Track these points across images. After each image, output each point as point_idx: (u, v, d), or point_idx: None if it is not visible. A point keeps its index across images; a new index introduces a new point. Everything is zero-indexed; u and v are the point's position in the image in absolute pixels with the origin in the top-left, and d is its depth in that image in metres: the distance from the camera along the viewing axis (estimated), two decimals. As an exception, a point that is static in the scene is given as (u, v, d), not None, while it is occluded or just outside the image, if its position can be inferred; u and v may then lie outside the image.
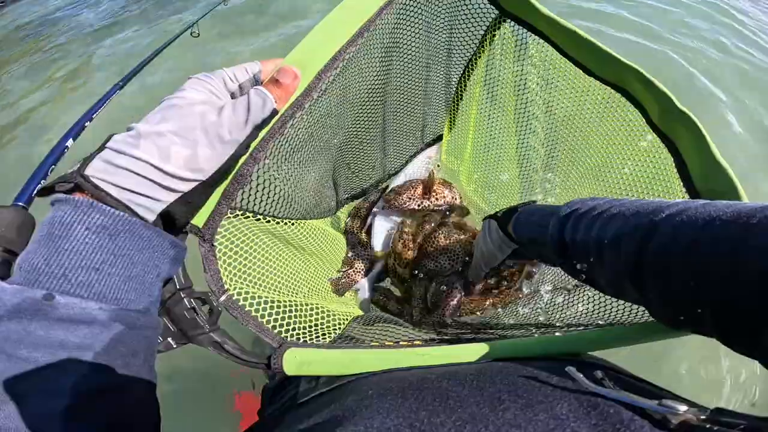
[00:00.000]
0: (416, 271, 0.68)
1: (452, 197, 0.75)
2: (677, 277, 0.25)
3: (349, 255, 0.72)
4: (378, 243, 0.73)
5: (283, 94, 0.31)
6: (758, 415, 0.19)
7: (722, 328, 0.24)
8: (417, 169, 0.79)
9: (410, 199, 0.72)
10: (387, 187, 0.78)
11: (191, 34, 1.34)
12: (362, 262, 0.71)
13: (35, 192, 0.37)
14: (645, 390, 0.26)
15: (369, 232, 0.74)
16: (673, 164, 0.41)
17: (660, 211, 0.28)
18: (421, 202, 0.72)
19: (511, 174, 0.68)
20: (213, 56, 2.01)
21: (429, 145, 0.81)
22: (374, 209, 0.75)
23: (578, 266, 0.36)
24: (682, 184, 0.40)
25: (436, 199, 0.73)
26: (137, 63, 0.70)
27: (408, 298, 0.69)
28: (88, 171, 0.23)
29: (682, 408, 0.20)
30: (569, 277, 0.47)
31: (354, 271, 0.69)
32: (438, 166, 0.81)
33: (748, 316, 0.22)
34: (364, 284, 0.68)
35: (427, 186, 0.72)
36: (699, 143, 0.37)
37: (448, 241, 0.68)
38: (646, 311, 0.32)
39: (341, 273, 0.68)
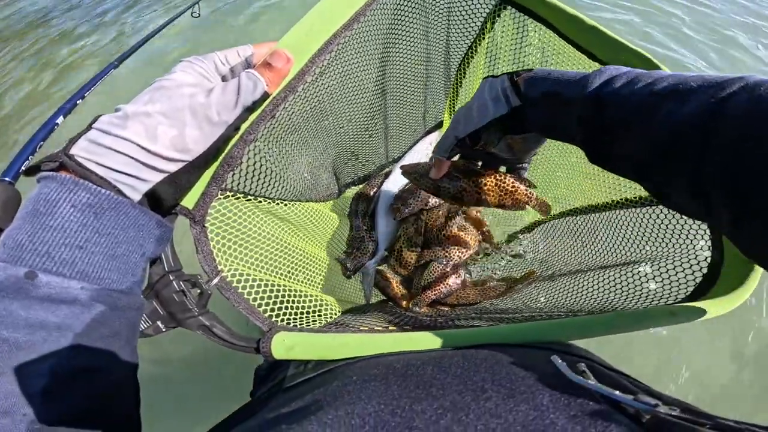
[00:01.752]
0: (421, 257, 0.68)
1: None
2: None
3: (355, 236, 0.73)
4: (382, 225, 0.73)
5: (275, 77, 0.30)
6: (722, 417, 0.20)
7: None
8: (419, 155, 0.78)
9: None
10: (390, 171, 0.79)
11: (192, 15, 1.31)
12: (368, 244, 0.72)
13: (22, 169, 0.37)
14: (622, 384, 0.26)
15: (373, 216, 0.75)
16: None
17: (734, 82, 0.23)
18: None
19: None
20: (212, 37, 1.97)
21: (430, 131, 0.80)
22: (379, 192, 0.75)
23: (607, 136, 0.29)
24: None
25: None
26: (134, 42, 0.68)
27: (409, 281, 0.69)
28: (74, 150, 0.23)
29: (654, 404, 0.20)
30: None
31: (361, 253, 0.70)
32: None
33: None
34: (370, 265, 0.69)
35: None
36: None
37: (460, 232, 0.67)
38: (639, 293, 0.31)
39: (348, 254, 0.68)
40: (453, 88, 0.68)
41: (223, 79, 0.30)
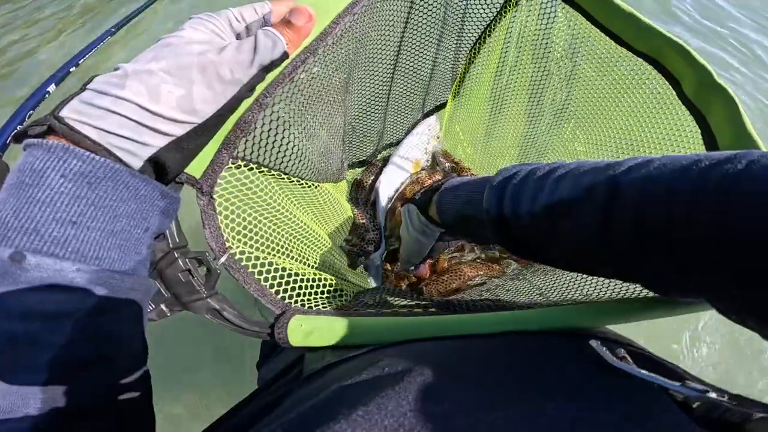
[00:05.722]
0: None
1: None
2: (655, 230, 0.21)
3: (359, 223, 0.69)
4: (383, 219, 0.70)
5: (295, 36, 0.27)
6: None
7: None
8: (419, 137, 0.75)
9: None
10: (389, 157, 0.75)
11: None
12: (372, 233, 0.68)
13: (10, 138, 0.32)
14: (667, 369, 0.25)
15: (374, 205, 0.71)
16: (701, 139, 0.38)
17: (618, 165, 0.24)
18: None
19: (517, 146, 0.65)
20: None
21: (428, 114, 0.77)
22: (378, 181, 0.72)
23: (527, 245, 0.30)
24: (708, 158, 0.38)
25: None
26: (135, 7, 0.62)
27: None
28: (63, 112, 0.19)
29: (704, 390, 0.18)
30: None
31: (366, 243, 0.67)
32: (438, 137, 0.77)
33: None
34: (375, 258, 0.65)
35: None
36: (733, 117, 0.35)
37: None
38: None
39: (351, 242, 0.65)
40: (463, 70, 0.65)
41: (238, 37, 0.26)
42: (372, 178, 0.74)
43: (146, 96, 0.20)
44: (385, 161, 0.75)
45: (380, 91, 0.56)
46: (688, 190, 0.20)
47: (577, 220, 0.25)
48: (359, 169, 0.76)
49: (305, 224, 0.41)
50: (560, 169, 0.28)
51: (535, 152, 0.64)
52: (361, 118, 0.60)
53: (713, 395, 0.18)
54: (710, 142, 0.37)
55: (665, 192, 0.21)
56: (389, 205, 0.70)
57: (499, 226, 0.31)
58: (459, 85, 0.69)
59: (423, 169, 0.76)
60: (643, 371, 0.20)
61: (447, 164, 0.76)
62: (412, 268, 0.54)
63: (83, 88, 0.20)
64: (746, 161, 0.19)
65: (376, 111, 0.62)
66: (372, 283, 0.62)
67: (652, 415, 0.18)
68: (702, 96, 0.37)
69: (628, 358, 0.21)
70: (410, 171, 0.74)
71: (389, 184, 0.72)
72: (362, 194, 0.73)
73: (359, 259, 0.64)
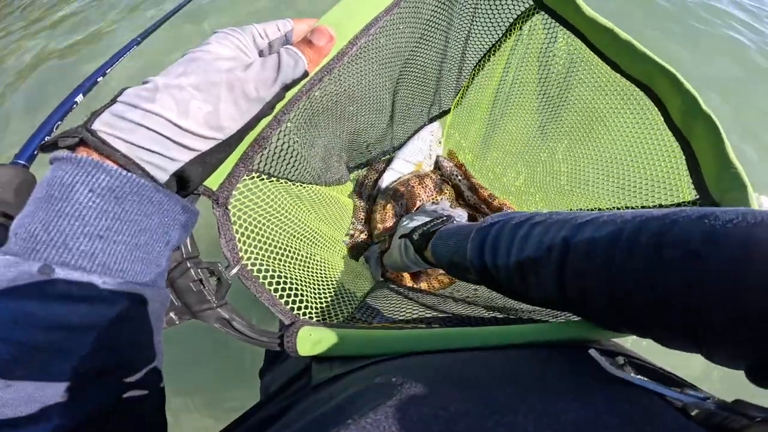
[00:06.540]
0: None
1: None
2: (600, 295, 0.25)
3: (360, 218, 0.71)
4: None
5: (315, 56, 0.27)
6: None
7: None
8: (422, 142, 0.78)
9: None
10: (391, 159, 0.77)
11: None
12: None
13: (37, 149, 0.32)
14: (666, 377, 0.26)
15: (375, 202, 0.73)
16: (685, 164, 0.40)
17: (574, 221, 0.28)
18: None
19: (514, 156, 0.68)
20: (246, 12, 1.79)
21: (432, 119, 0.79)
22: (381, 180, 0.74)
23: (509, 290, 0.34)
24: (691, 181, 0.40)
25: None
26: (161, 15, 0.61)
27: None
28: (96, 125, 0.20)
29: (704, 397, 0.19)
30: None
31: (366, 235, 0.69)
32: (440, 142, 0.80)
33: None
34: (373, 248, 0.67)
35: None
36: (716, 144, 0.37)
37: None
38: None
39: (353, 239, 0.67)
40: (467, 82, 0.66)
41: (260, 54, 0.27)
42: (375, 177, 0.77)
43: (175, 111, 0.21)
44: (388, 163, 0.77)
45: (386, 101, 0.58)
46: (622, 250, 0.23)
47: (541, 276, 0.28)
48: (363, 170, 0.78)
49: (312, 231, 0.42)
50: (529, 221, 0.31)
51: (528, 164, 0.66)
52: (366, 125, 0.62)
53: (711, 404, 0.19)
54: (694, 167, 0.39)
55: (604, 254, 0.24)
56: (377, 195, 0.73)
57: (483, 275, 0.34)
58: (462, 97, 0.71)
59: (428, 167, 0.79)
60: (643, 378, 0.21)
61: (448, 167, 0.79)
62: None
63: (114, 101, 0.21)
64: (670, 221, 0.22)
65: (381, 119, 0.63)
66: (373, 274, 0.64)
67: (654, 419, 0.18)
68: (687, 122, 0.39)
69: (628, 367, 0.22)
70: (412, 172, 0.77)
71: (389, 183, 0.74)
72: (365, 192, 0.76)
73: (360, 252, 0.66)
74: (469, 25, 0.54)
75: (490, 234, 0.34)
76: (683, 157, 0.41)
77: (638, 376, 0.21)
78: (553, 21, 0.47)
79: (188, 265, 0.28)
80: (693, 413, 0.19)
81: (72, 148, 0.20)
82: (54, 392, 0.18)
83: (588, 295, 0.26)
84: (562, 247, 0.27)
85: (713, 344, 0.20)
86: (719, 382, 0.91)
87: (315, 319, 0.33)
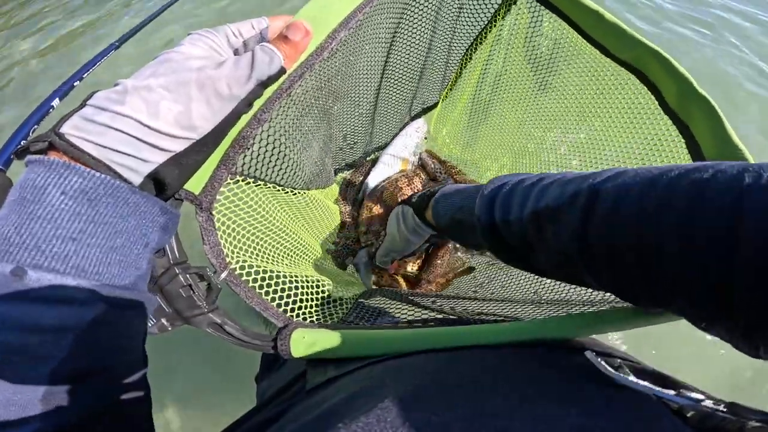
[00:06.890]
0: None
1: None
2: (629, 249, 0.22)
3: (345, 222, 0.70)
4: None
5: (292, 52, 0.27)
6: None
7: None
8: (408, 138, 0.76)
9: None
10: (377, 159, 0.76)
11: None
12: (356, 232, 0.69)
13: (14, 153, 0.32)
14: (662, 379, 0.25)
15: (361, 205, 0.71)
16: (686, 148, 0.39)
17: (599, 175, 0.25)
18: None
19: (502, 148, 0.67)
20: (223, 14, 1.80)
21: (416, 116, 0.78)
22: (367, 179, 0.73)
23: (515, 251, 0.31)
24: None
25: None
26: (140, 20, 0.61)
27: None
28: (64, 128, 0.19)
29: (699, 399, 0.19)
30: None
31: (352, 242, 0.67)
32: (426, 138, 0.79)
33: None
34: (361, 255, 0.66)
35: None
36: (715, 126, 0.36)
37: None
38: None
39: (338, 246, 0.65)
40: (455, 75, 0.66)
41: (236, 53, 0.26)
42: (361, 178, 0.75)
43: (145, 112, 0.20)
44: (374, 162, 0.76)
45: (370, 97, 0.57)
46: (658, 196, 0.21)
47: (562, 224, 0.26)
48: (348, 172, 0.77)
49: (300, 235, 0.41)
50: (547, 178, 0.29)
51: (515, 155, 0.65)
52: (351, 124, 0.61)
53: (708, 404, 0.18)
54: (696, 151, 0.38)
55: (637, 198, 0.22)
56: (364, 197, 0.71)
57: (489, 231, 0.32)
58: (449, 90, 0.70)
59: (412, 165, 0.77)
60: (638, 380, 0.20)
61: (432, 163, 0.78)
62: (392, 260, 0.56)
63: (83, 104, 0.21)
64: (713, 171, 0.19)
65: (366, 116, 0.62)
66: (363, 282, 0.62)
67: (651, 422, 0.18)
68: (683, 106, 0.38)
69: (625, 368, 0.22)
70: (398, 169, 0.75)
71: (377, 182, 0.73)
72: (351, 193, 0.74)
73: (347, 260, 0.65)
74: (456, 13, 0.53)
75: (503, 189, 0.31)
76: (683, 140, 0.40)
77: (634, 379, 0.20)
78: (538, 4, 0.46)
79: (176, 270, 0.28)
80: (689, 415, 0.19)
81: (43, 152, 0.20)
82: (33, 395, 0.18)
83: (615, 250, 0.23)
84: (590, 192, 0.24)
85: (745, 308, 0.18)
86: (714, 390, 0.90)
87: (309, 321, 0.32)
